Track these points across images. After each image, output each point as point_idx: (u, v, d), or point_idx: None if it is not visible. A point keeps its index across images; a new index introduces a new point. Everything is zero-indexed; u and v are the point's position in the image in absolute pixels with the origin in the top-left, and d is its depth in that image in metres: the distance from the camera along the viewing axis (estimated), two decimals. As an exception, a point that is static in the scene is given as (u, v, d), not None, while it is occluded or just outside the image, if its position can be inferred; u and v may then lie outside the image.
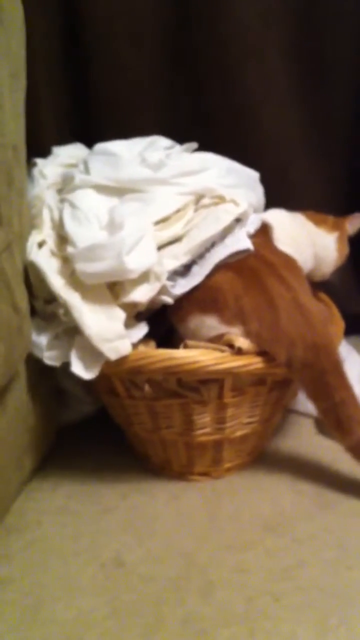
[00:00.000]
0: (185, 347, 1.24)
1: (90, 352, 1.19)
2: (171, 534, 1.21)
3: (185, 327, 1.29)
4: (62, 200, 1.33)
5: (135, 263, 1.18)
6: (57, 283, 1.21)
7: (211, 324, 1.25)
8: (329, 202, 1.75)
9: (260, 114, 1.74)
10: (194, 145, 1.51)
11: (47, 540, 1.21)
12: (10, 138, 1.19)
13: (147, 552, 1.16)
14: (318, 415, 1.27)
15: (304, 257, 1.48)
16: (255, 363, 1.21)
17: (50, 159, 1.48)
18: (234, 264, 1.31)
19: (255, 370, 1.22)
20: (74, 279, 1.22)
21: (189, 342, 1.24)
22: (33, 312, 1.26)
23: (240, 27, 1.67)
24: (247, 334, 1.23)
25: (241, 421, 1.31)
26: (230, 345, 1.22)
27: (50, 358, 1.24)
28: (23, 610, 1.04)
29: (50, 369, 1.25)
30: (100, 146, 1.42)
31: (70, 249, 1.22)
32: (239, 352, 1.21)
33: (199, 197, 1.35)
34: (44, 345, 1.23)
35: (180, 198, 1.33)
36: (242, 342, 1.21)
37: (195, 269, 1.29)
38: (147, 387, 1.25)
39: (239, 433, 1.32)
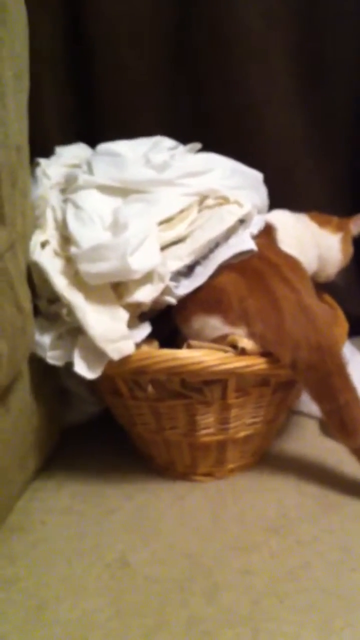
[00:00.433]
0: (189, 347, 1.24)
1: (94, 352, 1.19)
2: (175, 535, 1.20)
3: (189, 328, 1.28)
4: (65, 201, 1.33)
5: (139, 264, 1.18)
6: (61, 283, 1.21)
7: (215, 324, 1.25)
8: (333, 203, 1.75)
9: (263, 114, 1.74)
10: (198, 145, 1.51)
11: (51, 541, 1.21)
12: (14, 138, 1.19)
13: (152, 552, 1.16)
14: (322, 416, 1.27)
15: (308, 258, 1.48)
16: (259, 364, 1.21)
17: (53, 159, 1.48)
18: (238, 264, 1.31)
19: (259, 371, 1.21)
20: (77, 279, 1.22)
21: (193, 343, 1.24)
22: (36, 312, 1.26)
23: (242, 28, 1.67)
24: (251, 335, 1.23)
25: (245, 422, 1.30)
26: (234, 346, 1.21)
27: (53, 358, 1.23)
28: (27, 610, 1.04)
29: (54, 369, 1.25)
30: (103, 146, 1.42)
31: (73, 250, 1.22)
32: (242, 352, 1.21)
33: (203, 198, 1.35)
34: (47, 345, 1.23)
35: (184, 199, 1.33)
36: (246, 343, 1.21)
37: (198, 269, 1.29)
38: (150, 388, 1.25)
39: (242, 434, 1.32)
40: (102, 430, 1.49)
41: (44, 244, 1.27)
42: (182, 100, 1.74)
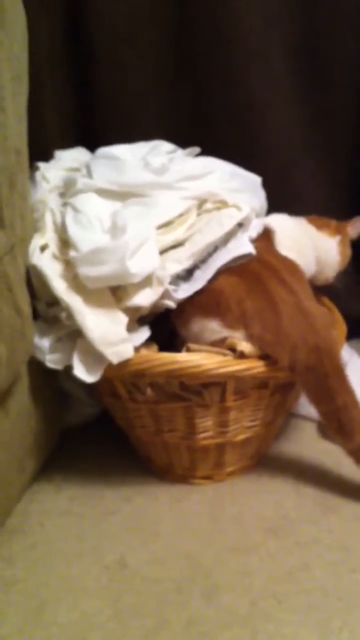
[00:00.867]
0: (188, 350, 1.24)
1: (93, 356, 1.19)
2: (174, 537, 1.21)
3: (187, 331, 1.29)
4: (64, 204, 1.33)
5: (138, 267, 1.19)
6: (60, 286, 1.21)
7: (213, 327, 1.25)
8: (332, 203, 1.75)
9: (263, 115, 1.74)
10: (197, 149, 1.51)
11: (50, 543, 1.21)
12: (13, 142, 1.19)
13: (151, 554, 1.16)
14: (320, 418, 1.27)
15: (307, 261, 1.48)
16: (257, 367, 1.21)
17: (52, 162, 1.49)
18: (237, 268, 1.31)
19: (258, 374, 1.22)
20: (76, 283, 1.22)
21: (192, 346, 1.24)
22: (35, 315, 1.26)
23: (242, 29, 1.67)
24: (250, 338, 1.23)
25: (243, 425, 1.31)
26: (233, 349, 1.22)
27: (52, 361, 1.24)
28: (26, 612, 1.04)
29: (53, 371, 1.25)
30: (103, 150, 1.43)
31: (72, 253, 1.22)
32: (241, 355, 1.21)
33: (201, 202, 1.36)
34: (46, 348, 1.23)
35: (183, 202, 1.33)
36: (245, 346, 1.22)
37: (197, 273, 1.29)
38: (149, 391, 1.25)
39: (241, 436, 1.32)
40: (101, 433, 1.50)
41: (43, 248, 1.27)
42: (182, 102, 1.74)
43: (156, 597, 1.06)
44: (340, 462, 1.33)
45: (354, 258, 1.59)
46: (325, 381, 1.21)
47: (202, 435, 1.30)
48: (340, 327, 1.40)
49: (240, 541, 1.19)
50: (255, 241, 1.37)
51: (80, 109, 1.73)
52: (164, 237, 1.28)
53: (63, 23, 1.65)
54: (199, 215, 1.35)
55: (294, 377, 1.24)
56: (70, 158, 1.50)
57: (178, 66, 1.71)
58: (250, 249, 1.33)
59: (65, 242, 1.27)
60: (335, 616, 1.00)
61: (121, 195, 1.33)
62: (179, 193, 1.34)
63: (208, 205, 1.36)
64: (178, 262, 1.28)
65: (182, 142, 1.53)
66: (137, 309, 1.24)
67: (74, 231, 1.26)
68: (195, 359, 1.20)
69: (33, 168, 1.42)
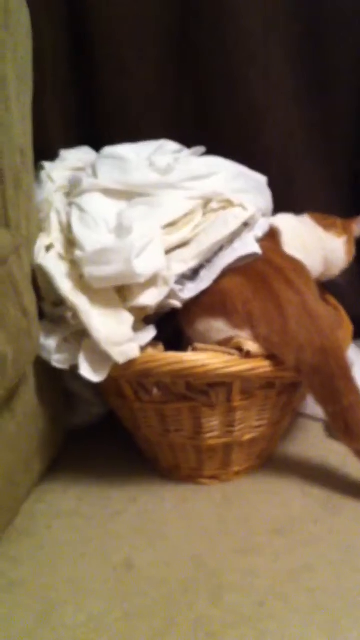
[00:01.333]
0: (194, 350, 1.24)
1: (99, 355, 1.19)
2: (181, 537, 1.21)
3: (193, 331, 1.29)
4: (70, 204, 1.33)
5: (143, 267, 1.19)
6: (65, 286, 1.21)
7: (219, 327, 1.25)
8: (334, 204, 1.75)
9: (265, 117, 1.74)
10: (202, 149, 1.51)
11: (57, 543, 1.21)
12: (18, 142, 1.19)
13: (157, 555, 1.16)
14: (326, 419, 1.27)
15: (314, 262, 1.48)
16: (263, 366, 1.21)
17: (58, 162, 1.49)
18: (243, 268, 1.31)
19: (264, 374, 1.22)
20: (82, 283, 1.22)
21: (198, 345, 1.24)
22: (41, 315, 1.26)
23: (243, 31, 1.67)
24: (256, 338, 1.23)
25: (250, 424, 1.31)
26: (239, 349, 1.22)
27: (58, 361, 1.24)
28: (33, 613, 1.04)
29: (59, 371, 1.26)
30: (108, 150, 1.43)
31: (78, 253, 1.22)
32: (247, 355, 1.21)
33: (207, 202, 1.35)
34: (52, 348, 1.23)
35: (189, 202, 1.33)
36: (251, 346, 1.21)
37: (203, 273, 1.29)
38: (155, 390, 1.25)
39: (248, 436, 1.32)
40: (107, 433, 1.50)
41: (48, 248, 1.28)
42: (185, 103, 1.74)
43: (163, 597, 1.06)
44: (346, 462, 1.33)
45: (358, 257, 1.58)
46: (331, 382, 1.21)
47: (208, 435, 1.30)
48: (347, 328, 1.39)
49: (247, 541, 1.18)
50: (261, 241, 1.37)
51: (85, 109, 1.73)
52: (169, 237, 1.28)
53: (66, 25, 1.65)
54: (204, 215, 1.35)
55: (300, 377, 1.24)
56: (75, 158, 1.50)
57: (180, 68, 1.71)
58: (256, 248, 1.32)
59: (70, 242, 1.27)
60: (342, 616, 1.00)
61: (127, 195, 1.33)
62: (184, 193, 1.34)
63: (213, 205, 1.35)
64: (184, 261, 1.28)
65: (185, 144, 1.53)
66: (142, 308, 1.24)
67: (79, 231, 1.26)
68: (202, 359, 1.20)
69: (38, 168, 1.43)
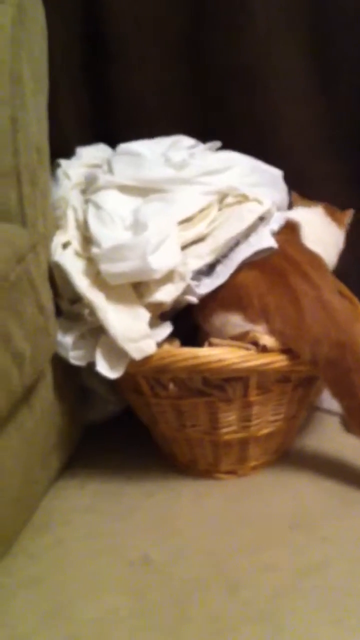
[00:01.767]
0: (210, 345, 1.24)
1: (115, 352, 1.20)
2: (197, 533, 1.21)
3: (209, 325, 1.29)
4: (86, 201, 1.34)
5: (159, 263, 1.19)
6: (82, 283, 1.22)
7: (235, 321, 1.26)
8: (349, 201, 1.74)
9: (277, 115, 1.74)
10: (218, 144, 1.51)
11: (74, 539, 1.21)
12: (34, 140, 1.20)
13: (173, 550, 1.16)
14: (343, 413, 1.27)
15: (330, 256, 1.49)
16: (279, 361, 1.21)
17: (74, 159, 1.49)
18: (259, 262, 1.31)
19: (280, 368, 1.22)
20: (98, 280, 1.23)
21: (214, 340, 1.25)
22: (58, 312, 1.27)
23: (257, 28, 1.66)
24: (272, 332, 1.23)
25: (266, 419, 1.31)
26: (255, 343, 1.22)
27: (75, 358, 1.24)
28: (50, 608, 1.05)
29: (76, 368, 1.26)
30: (123, 146, 1.43)
31: (94, 250, 1.23)
32: (263, 350, 1.21)
33: (222, 197, 1.35)
34: (69, 345, 1.24)
35: (204, 197, 1.33)
36: (267, 340, 1.22)
37: (219, 268, 1.29)
38: (171, 386, 1.26)
39: (264, 431, 1.32)
40: (124, 429, 1.50)
41: (65, 245, 1.28)
42: (198, 100, 1.74)
43: (179, 593, 1.06)
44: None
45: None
46: (348, 376, 1.21)
47: (225, 430, 1.30)
48: (363, 321, 1.39)
49: (263, 537, 1.18)
50: (279, 235, 1.37)
51: (101, 107, 1.73)
52: (185, 233, 1.28)
53: (79, 22, 1.65)
54: (220, 210, 1.35)
55: (317, 371, 1.24)
56: (91, 155, 1.51)
57: (193, 66, 1.71)
58: (271, 242, 1.32)
59: (87, 239, 1.28)
60: (357, 613, 1.00)
61: (142, 191, 1.33)
62: (199, 188, 1.34)
63: (229, 200, 1.35)
64: (199, 257, 1.28)
65: (201, 140, 1.53)
66: (159, 304, 1.25)
67: (95, 228, 1.26)
68: (218, 354, 1.20)
69: (54, 165, 1.43)
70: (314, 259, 1.38)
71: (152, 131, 1.51)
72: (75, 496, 1.34)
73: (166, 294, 1.23)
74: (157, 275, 1.20)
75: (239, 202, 1.35)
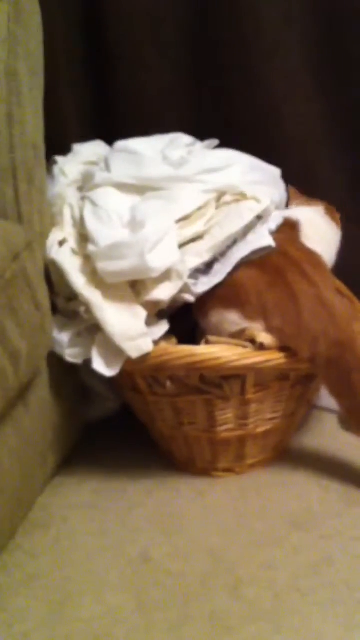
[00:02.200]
0: (207, 343, 1.23)
1: (112, 350, 1.19)
2: (197, 530, 1.21)
3: (207, 323, 1.29)
4: (83, 199, 1.33)
5: (157, 261, 1.19)
6: (79, 281, 1.21)
7: (233, 319, 1.25)
8: (354, 199, 1.74)
9: (283, 111, 1.73)
10: (215, 142, 1.51)
11: (73, 537, 1.21)
12: (30, 136, 1.20)
13: (174, 548, 1.16)
14: (341, 412, 1.26)
15: (330, 254, 1.48)
16: (277, 358, 1.21)
17: (70, 156, 1.49)
18: (257, 261, 1.30)
19: (278, 366, 1.22)
20: (95, 277, 1.22)
21: (211, 338, 1.24)
22: (55, 309, 1.27)
23: (262, 25, 1.66)
24: (270, 330, 1.23)
25: (264, 417, 1.30)
26: (253, 341, 1.21)
27: (72, 355, 1.24)
28: (50, 606, 1.04)
29: (74, 366, 1.26)
30: (121, 144, 1.43)
31: (91, 248, 1.22)
32: (261, 347, 1.21)
33: (220, 195, 1.35)
34: (65, 343, 1.24)
35: (202, 196, 1.33)
36: (265, 338, 1.21)
37: (217, 266, 1.29)
38: (169, 384, 1.25)
39: (262, 429, 1.32)
40: (123, 426, 1.49)
41: (61, 242, 1.28)
42: (202, 97, 1.74)
43: (180, 591, 1.06)
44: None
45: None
46: (347, 375, 1.21)
47: (223, 428, 1.30)
48: (363, 320, 1.38)
49: (264, 535, 1.18)
50: (278, 233, 1.37)
51: (100, 103, 1.73)
52: (183, 231, 1.28)
53: (80, 18, 1.65)
54: (218, 208, 1.34)
55: (315, 369, 1.24)
56: (88, 152, 1.50)
57: (197, 62, 1.71)
58: (269, 241, 1.32)
59: (84, 237, 1.28)
60: (360, 609, 1.00)
61: (140, 189, 1.33)
62: (198, 186, 1.34)
63: (227, 198, 1.35)
64: (197, 255, 1.28)
65: (202, 136, 1.53)
66: (156, 303, 1.24)
67: (92, 226, 1.26)
68: (215, 351, 1.20)
69: (51, 162, 1.42)
70: (314, 258, 1.37)
71: (152, 129, 1.50)
72: (74, 493, 1.33)
73: (163, 293, 1.23)
74: (155, 274, 1.20)
75: (237, 201, 1.35)
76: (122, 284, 1.22)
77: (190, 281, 1.26)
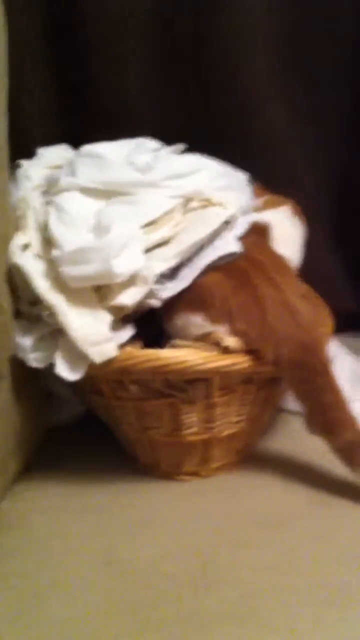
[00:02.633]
0: (173, 346, 1.24)
1: (76, 354, 1.19)
2: (164, 532, 1.20)
3: (172, 326, 1.29)
4: (47, 203, 1.33)
5: (122, 267, 1.19)
6: (42, 286, 1.21)
7: (198, 322, 1.26)
8: (326, 199, 1.76)
9: (258, 113, 1.74)
10: (182, 146, 1.50)
11: (36, 540, 1.20)
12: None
13: (141, 550, 1.15)
14: (305, 416, 1.27)
15: (297, 255, 1.50)
16: (242, 362, 1.21)
17: (35, 160, 1.48)
18: (224, 265, 1.31)
19: (243, 369, 1.22)
20: (59, 282, 1.22)
21: (178, 342, 1.25)
22: (17, 314, 1.26)
23: (237, 26, 1.67)
24: (234, 333, 1.23)
25: (229, 420, 1.31)
26: (218, 344, 1.22)
27: (35, 360, 1.23)
28: (16, 608, 1.03)
29: (36, 370, 1.25)
30: (86, 148, 1.42)
31: (55, 252, 1.22)
32: (226, 351, 1.21)
33: (187, 200, 1.35)
34: (28, 347, 1.23)
35: (169, 201, 1.32)
36: (230, 341, 1.22)
37: (183, 271, 1.29)
38: (133, 388, 1.25)
39: (227, 432, 1.32)
40: (88, 430, 1.49)
41: (25, 247, 1.27)
42: (180, 100, 1.74)
43: (150, 591, 1.05)
44: (327, 458, 1.32)
45: (342, 249, 1.59)
46: (311, 379, 1.22)
47: (187, 432, 1.30)
48: (328, 324, 1.39)
49: (234, 535, 1.18)
50: (245, 238, 1.37)
51: (70, 106, 1.73)
52: (149, 236, 1.28)
53: (46, 20, 1.65)
54: (185, 214, 1.34)
55: (280, 373, 1.25)
56: (53, 156, 1.49)
57: (174, 63, 1.71)
58: (236, 247, 1.33)
59: (48, 241, 1.27)
60: (331, 608, 0.99)
61: (105, 193, 1.32)
62: (164, 191, 1.34)
63: (193, 204, 1.35)
64: (163, 260, 1.27)
65: (180, 140, 1.52)
66: (121, 308, 1.24)
67: (57, 230, 1.25)
68: (180, 355, 1.20)
69: (15, 166, 1.42)
70: (280, 263, 1.38)
71: (127, 132, 1.50)
72: (38, 497, 1.32)
73: (128, 298, 1.23)
74: (120, 279, 1.19)
75: (204, 206, 1.35)
76: (87, 288, 1.22)
77: (156, 286, 1.26)
